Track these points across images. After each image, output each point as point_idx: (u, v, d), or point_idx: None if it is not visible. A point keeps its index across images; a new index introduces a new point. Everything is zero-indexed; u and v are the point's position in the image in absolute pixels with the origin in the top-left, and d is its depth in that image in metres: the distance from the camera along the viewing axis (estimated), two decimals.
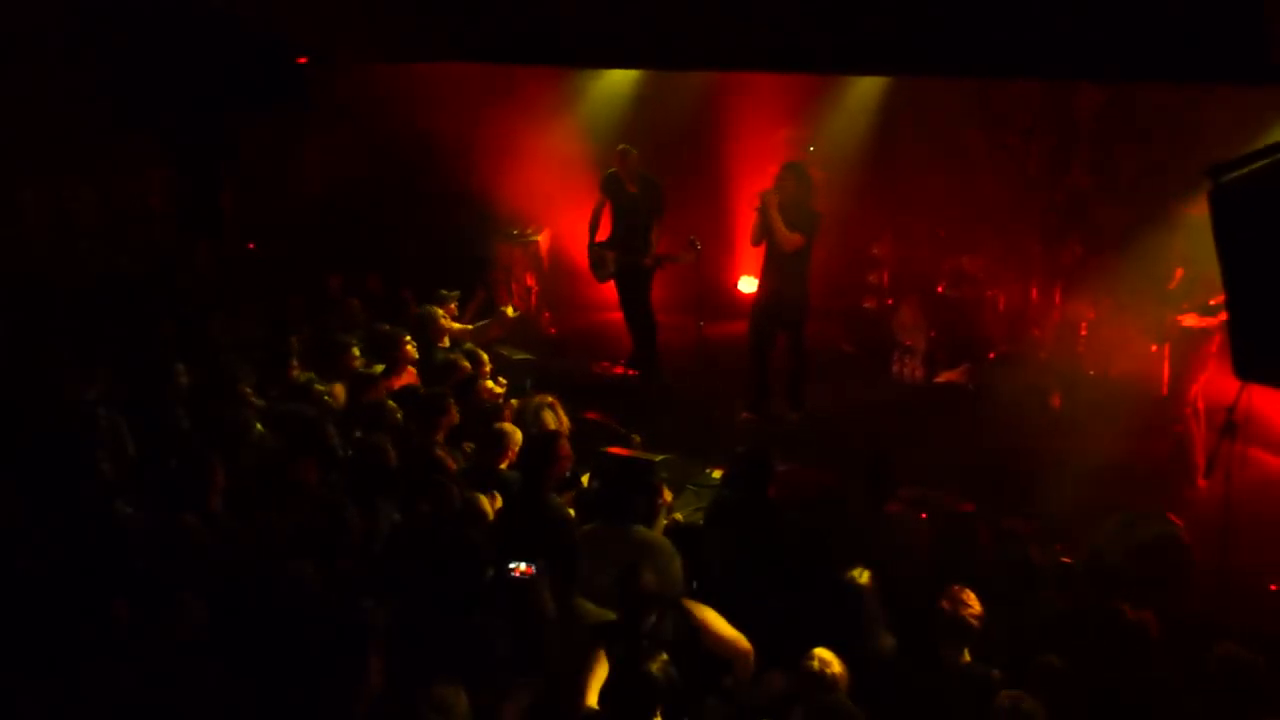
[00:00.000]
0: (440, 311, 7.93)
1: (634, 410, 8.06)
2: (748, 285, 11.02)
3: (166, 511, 4.86)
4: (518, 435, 5.90)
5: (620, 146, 9.21)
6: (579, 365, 9.82)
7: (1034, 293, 9.65)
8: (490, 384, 6.98)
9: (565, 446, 5.45)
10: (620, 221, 9.24)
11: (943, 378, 9.37)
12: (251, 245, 9.80)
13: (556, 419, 6.50)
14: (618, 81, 10.97)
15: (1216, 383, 7.20)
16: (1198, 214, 5.62)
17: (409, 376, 7.14)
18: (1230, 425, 5.99)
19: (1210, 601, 5.76)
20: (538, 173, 10.73)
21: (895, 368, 9.66)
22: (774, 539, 5.23)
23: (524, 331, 9.75)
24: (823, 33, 5.74)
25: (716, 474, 6.92)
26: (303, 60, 7.53)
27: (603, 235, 9.34)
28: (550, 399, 6.69)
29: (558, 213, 11.00)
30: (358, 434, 5.93)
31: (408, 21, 6.94)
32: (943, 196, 10.42)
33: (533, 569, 4.65)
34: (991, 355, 9.36)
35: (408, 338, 7.24)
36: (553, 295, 11.16)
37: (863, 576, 4.71)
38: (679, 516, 5.85)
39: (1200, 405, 7.33)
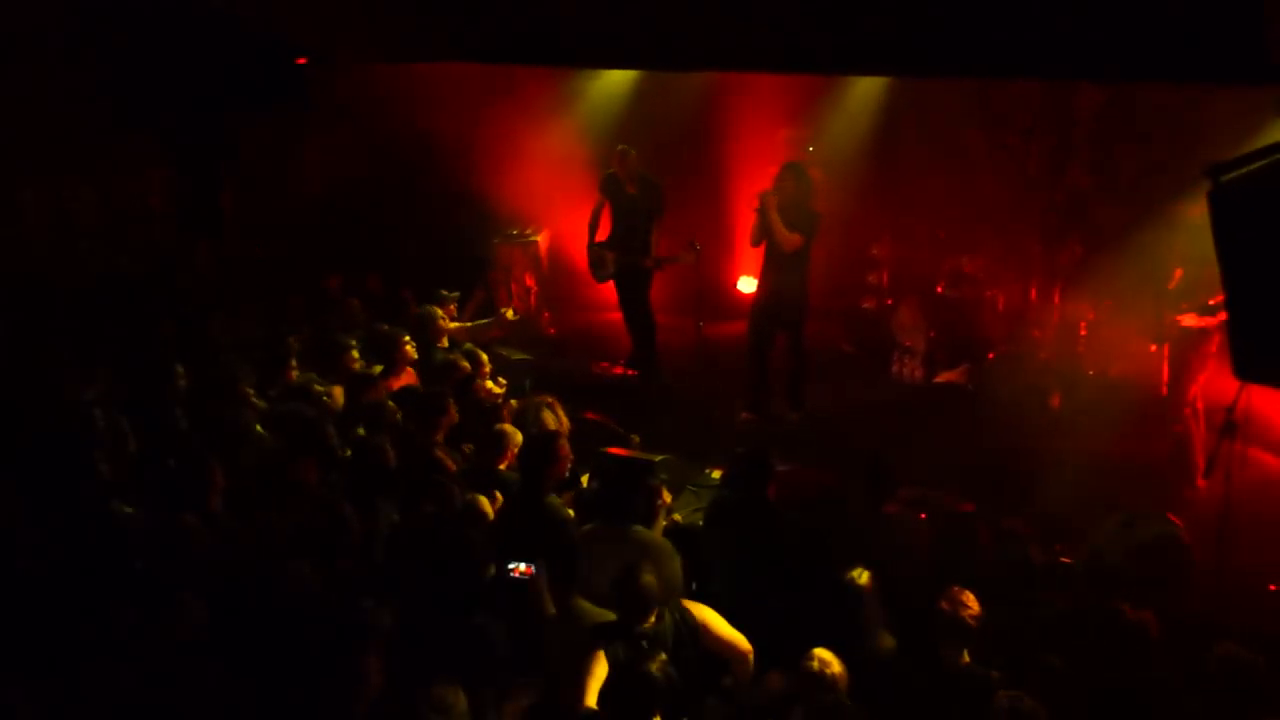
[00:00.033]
0: (439, 312, 7.93)
1: (633, 410, 8.05)
2: (747, 285, 11.03)
3: (166, 511, 4.85)
4: (517, 436, 5.90)
5: (619, 147, 9.21)
6: (578, 365, 9.82)
7: (1033, 293, 9.65)
8: (490, 384, 6.98)
9: (565, 447, 5.44)
10: (619, 222, 9.24)
11: (942, 378, 9.37)
12: (258, 249, 9.78)
13: (556, 419, 6.49)
14: (617, 81, 10.96)
15: (1216, 383, 7.20)
16: (1197, 214, 5.61)
17: (408, 377, 7.14)
18: (1230, 425, 6.00)
19: (1210, 601, 5.76)
20: (537, 173, 10.73)
21: (895, 368, 9.66)
22: (773, 539, 5.23)
23: (523, 332, 9.75)
24: (823, 33, 5.73)
25: (716, 474, 6.92)
26: (303, 60, 7.53)
27: (602, 235, 9.34)
28: (550, 399, 6.68)
29: (557, 213, 11.00)
30: (358, 433, 5.94)
31: (408, 21, 6.94)
32: (943, 197, 10.41)
33: (532, 569, 4.65)
34: (991, 356, 9.36)
35: (407, 338, 7.23)
36: (552, 295, 11.17)
37: (862, 577, 4.72)
38: (678, 517, 5.85)
39: (1200, 405, 7.33)
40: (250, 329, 8.04)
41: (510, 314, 8.77)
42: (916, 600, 4.62)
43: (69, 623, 4.07)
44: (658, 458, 6.25)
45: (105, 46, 7.41)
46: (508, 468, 5.81)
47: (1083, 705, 4.15)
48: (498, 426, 6.00)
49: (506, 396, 7.06)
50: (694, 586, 5.12)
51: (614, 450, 6.17)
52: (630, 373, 9.54)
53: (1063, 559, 5.58)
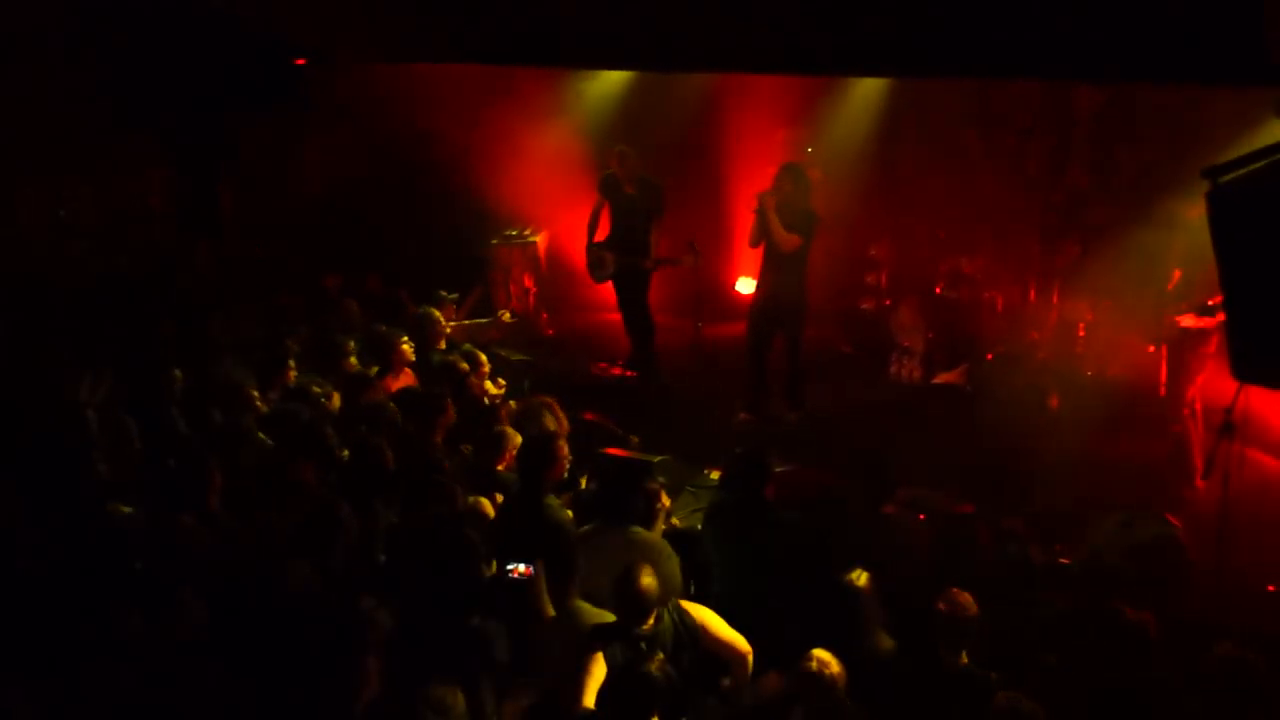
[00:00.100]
0: (438, 313, 7.93)
1: (632, 411, 8.03)
2: (746, 286, 11.03)
3: (166, 511, 4.86)
4: (516, 437, 5.90)
5: (618, 148, 9.20)
6: (577, 366, 9.81)
7: (1032, 293, 9.66)
8: (489, 385, 6.97)
9: (563, 448, 5.43)
10: (618, 222, 9.24)
11: (941, 378, 9.36)
12: (258, 249, 9.78)
13: (555, 420, 6.49)
14: (616, 82, 10.96)
15: (1214, 383, 7.20)
16: (1196, 214, 5.62)
17: (406, 378, 7.13)
18: (1228, 426, 5.99)
19: (1210, 601, 5.77)
20: (536, 173, 10.73)
21: (894, 368, 9.66)
22: (772, 540, 5.23)
23: (522, 332, 9.75)
24: (823, 33, 5.74)
25: (714, 475, 6.91)
26: (302, 60, 7.53)
27: (601, 236, 9.34)
28: (548, 400, 6.68)
29: (556, 213, 11.00)
30: (358, 432, 5.93)
31: (408, 21, 6.95)
32: (942, 197, 10.42)
33: (531, 570, 4.65)
34: (990, 356, 9.36)
35: (404, 339, 7.23)
36: (551, 296, 11.16)
37: (861, 578, 4.71)
38: (676, 520, 5.84)
39: (1198, 406, 7.33)
40: (250, 329, 8.04)
41: (507, 316, 8.76)
42: (916, 601, 4.62)
43: (69, 623, 4.06)
44: (656, 458, 6.26)
45: (105, 46, 7.41)
46: (506, 469, 5.81)
47: (1082, 705, 4.14)
48: (497, 428, 6.00)
49: (505, 397, 7.06)
50: (692, 588, 5.12)
51: (613, 451, 6.17)
52: (629, 373, 9.53)
53: (1062, 559, 5.58)
